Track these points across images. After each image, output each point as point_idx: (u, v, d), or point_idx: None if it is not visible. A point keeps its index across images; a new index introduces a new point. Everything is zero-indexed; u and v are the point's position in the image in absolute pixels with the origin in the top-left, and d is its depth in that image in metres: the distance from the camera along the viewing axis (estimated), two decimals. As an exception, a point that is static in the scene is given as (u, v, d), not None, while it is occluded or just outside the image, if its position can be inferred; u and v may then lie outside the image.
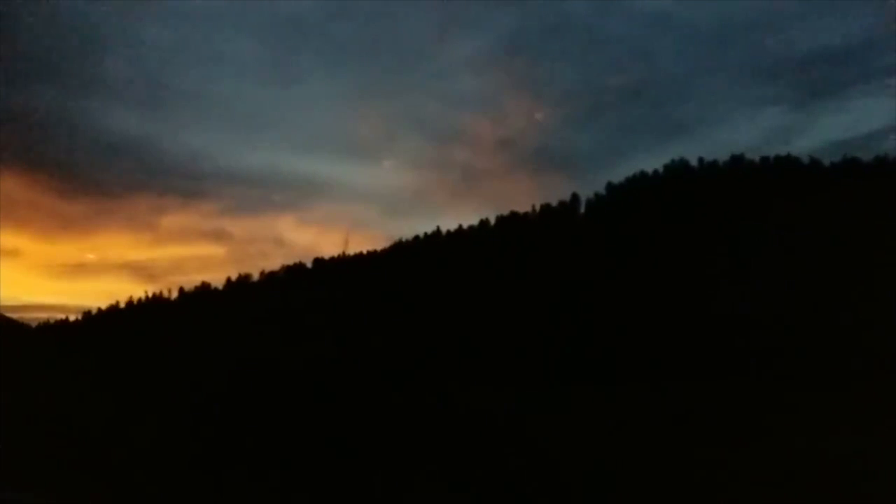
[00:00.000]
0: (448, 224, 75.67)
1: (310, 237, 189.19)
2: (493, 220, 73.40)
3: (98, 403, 46.20)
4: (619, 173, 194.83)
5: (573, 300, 51.22)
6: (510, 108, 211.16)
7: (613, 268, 56.19)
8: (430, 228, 74.64)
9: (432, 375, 38.46)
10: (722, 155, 75.66)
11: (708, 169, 72.24)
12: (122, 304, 78.20)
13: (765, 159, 71.85)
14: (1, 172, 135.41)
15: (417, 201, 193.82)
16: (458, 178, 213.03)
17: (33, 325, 77.88)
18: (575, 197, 73.18)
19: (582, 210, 72.54)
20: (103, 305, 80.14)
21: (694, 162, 74.19)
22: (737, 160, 72.13)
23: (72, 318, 78.11)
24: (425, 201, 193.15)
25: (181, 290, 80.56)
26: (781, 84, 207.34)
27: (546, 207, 72.07)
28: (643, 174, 74.17)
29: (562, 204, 71.93)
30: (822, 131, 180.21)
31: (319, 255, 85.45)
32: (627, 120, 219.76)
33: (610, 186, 73.91)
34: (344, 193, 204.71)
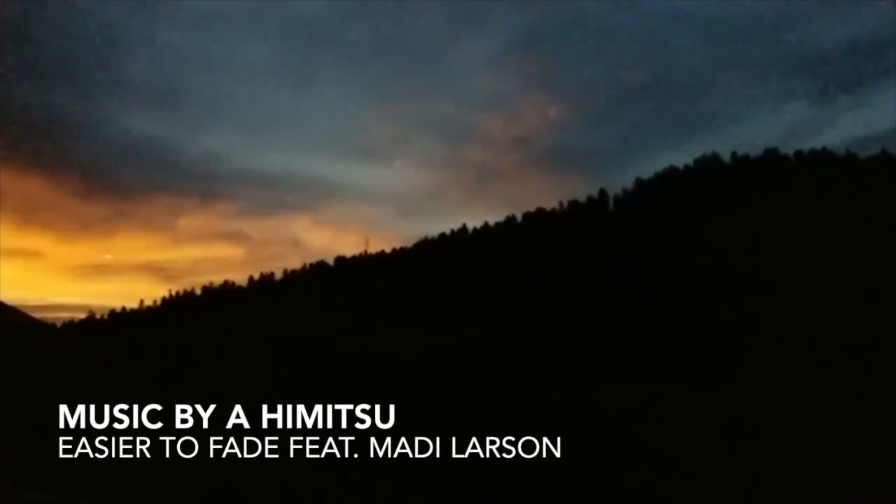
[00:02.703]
0: (465, 224, 74.64)
1: (325, 238, 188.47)
2: (519, 217, 72.29)
3: (128, 402, 45.69)
4: (637, 170, 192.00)
5: (615, 297, 50.04)
6: (525, 107, 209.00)
7: (653, 263, 54.92)
8: (444, 228, 73.87)
9: (487, 373, 37.56)
10: (749, 150, 73.91)
11: (740, 163, 70.64)
12: (148, 303, 78.04)
13: (798, 153, 70.15)
14: (25, 175, 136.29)
15: (432, 201, 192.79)
16: (472, 178, 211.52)
17: (58, 324, 77.75)
18: (603, 192, 71.96)
19: (611, 206, 71.21)
20: (123, 305, 79.88)
21: (726, 156, 72.68)
22: (770, 154, 70.45)
23: (97, 316, 77.94)
24: (440, 201, 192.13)
25: (205, 288, 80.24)
26: (803, 79, 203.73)
27: (574, 203, 70.89)
28: (673, 169, 72.77)
29: (590, 200, 70.69)
30: (846, 126, 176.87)
31: (334, 255, 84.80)
32: (645, 116, 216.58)
33: (639, 181, 72.58)
34: (358, 194, 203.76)
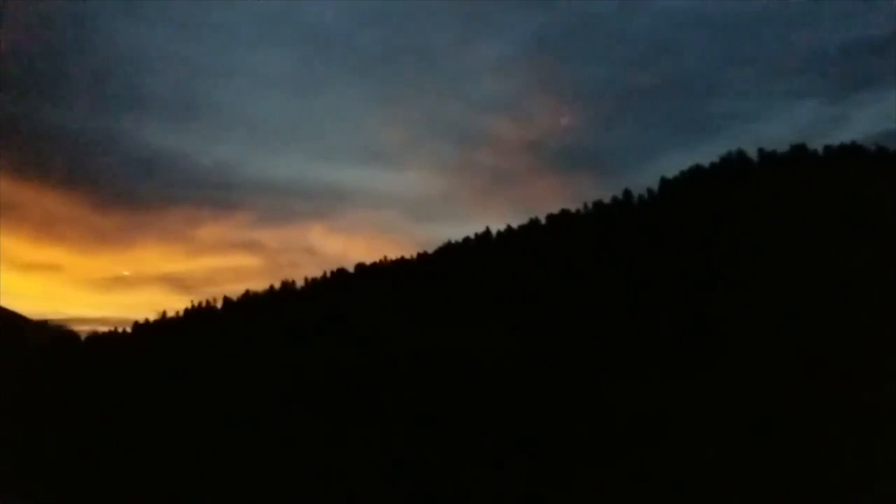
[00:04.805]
0: (476, 227, 74.61)
1: (339, 245, 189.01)
2: (543, 219, 71.44)
3: (161, 413, 45.18)
4: (649, 171, 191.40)
5: (648, 296, 49.01)
6: (536, 110, 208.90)
7: (681, 262, 53.86)
8: (457, 232, 73.88)
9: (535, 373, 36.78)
10: (767, 147, 72.37)
11: (768, 160, 69.41)
12: (171, 314, 77.66)
13: (828, 148, 68.87)
14: (43, 190, 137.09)
15: (444, 205, 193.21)
16: (484, 181, 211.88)
17: (81, 337, 77.44)
18: (627, 193, 70.99)
19: (635, 205, 70.18)
20: (143, 317, 79.77)
21: (752, 153, 71.56)
22: (797, 150, 69.22)
23: (119, 329, 77.73)
24: (452, 205, 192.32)
25: (225, 298, 79.92)
26: (816, 77, 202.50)
27: (598, 204, 69.99)
28: (698, 167, 71.80)
29: (615, 200, 69.77)
30: (860, 123, 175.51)
31: (348, 261, 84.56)
32: (656, 118, 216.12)
33: (664, 181, 71.57)
34: (371, 200, 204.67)
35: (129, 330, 75.29)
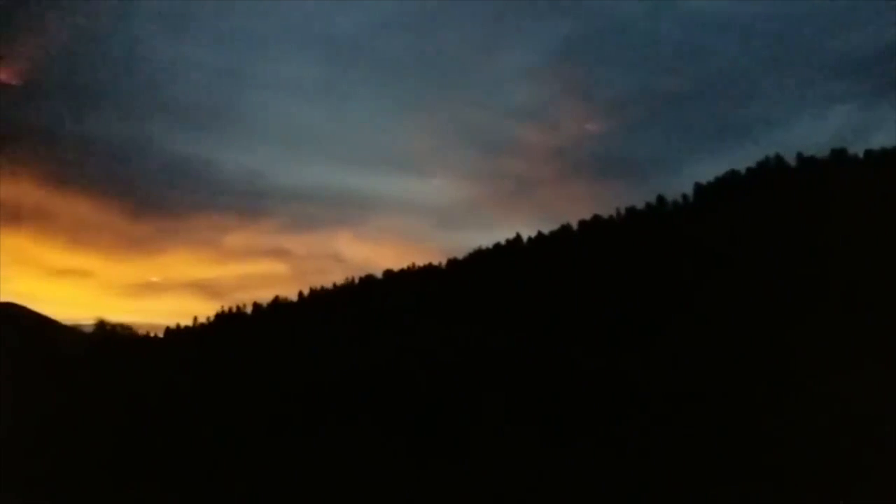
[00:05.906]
0: (503, 235, 74.18)
1: (366, 252, 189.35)
2: (575, 225, 70.60)
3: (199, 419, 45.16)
4: (679, 178, 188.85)
5: (684, 302, 47.95)
6: (563, 117, 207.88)
7: (717, 269, 52.66)
8: (484, 239, 73.47)
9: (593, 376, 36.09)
10: (802, 153, 70.80)
11: (807, 165, 67.82)
12: (202, 320, 78.28)
13: (869, 152, 67.10)
14: (75, 197, 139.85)
15: (471, 213, 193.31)
16: (511, 189, 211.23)
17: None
18: (661, 199, 69.86)
19: (669, 211, 69.04)
20: (172, 323, 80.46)
21: (790, 159, 70.02)
22: (837, 154, 67.55)
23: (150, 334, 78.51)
24: (479, 213, 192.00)
25: (255, 304, 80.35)
26: (851, 81, 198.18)
27: (631, 210, 68.99)
28: (734, 173, 70.47)
29: (648, 206, 68.73)
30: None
31: (375, 269, 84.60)
32: (686, 124, 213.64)
33: (698, 186, 70.38)
34: (398, 207, 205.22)
35: (160, 335, 76.16)
